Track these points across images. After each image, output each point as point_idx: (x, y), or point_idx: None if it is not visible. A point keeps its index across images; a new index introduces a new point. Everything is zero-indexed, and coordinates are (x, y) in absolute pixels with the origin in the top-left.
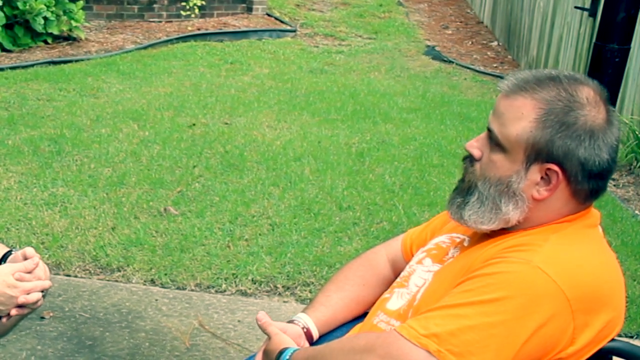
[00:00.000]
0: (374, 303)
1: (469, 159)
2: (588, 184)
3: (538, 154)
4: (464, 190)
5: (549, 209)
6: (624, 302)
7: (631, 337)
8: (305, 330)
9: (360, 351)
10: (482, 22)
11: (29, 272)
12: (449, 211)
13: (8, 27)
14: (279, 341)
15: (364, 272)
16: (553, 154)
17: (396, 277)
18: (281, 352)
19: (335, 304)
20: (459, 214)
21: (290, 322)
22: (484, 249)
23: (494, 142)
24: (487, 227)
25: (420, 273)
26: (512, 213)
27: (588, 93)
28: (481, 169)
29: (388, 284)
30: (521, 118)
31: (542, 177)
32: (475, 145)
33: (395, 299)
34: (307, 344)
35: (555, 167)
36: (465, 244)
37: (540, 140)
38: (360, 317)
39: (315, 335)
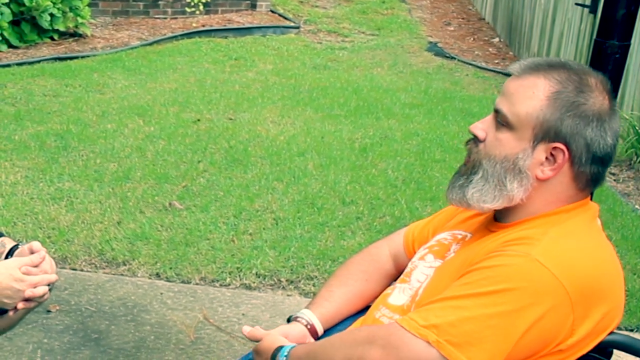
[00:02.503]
0: (376, 297)
1: (474, 140)
2: (590, 167)
3: (546, 132)
4: (468, 170)
5: (550, 191)
6: (622, 294)
7: (631, 330)
8: (309, 327)
9: (362, 342)
10: (484, 19)
11: (36, 266)
12: (449, 195)
13: (15, 23)
14: (272, 340)
15: (366, 266)
16: (561, 133)
17: (398, 272)
18: (277, 350)
19: (338, 298)
20: (462, 193)
21: (295, 318)
22: (484, 243)
23: (502, 122)
24: (489, 205)
25: (422, 269)
26: (516, 191)
27: (596, 80)
28: (486, 148)
29: (390, 278)
30: (532, 97)
31: (547, 158)
32: (480, 127)
33: (397, 294)
34: (312, 341)
35: (561, 146)
36: (467, 240)
37: (550, 118)
38: (362, 311)
39: (320, 330)
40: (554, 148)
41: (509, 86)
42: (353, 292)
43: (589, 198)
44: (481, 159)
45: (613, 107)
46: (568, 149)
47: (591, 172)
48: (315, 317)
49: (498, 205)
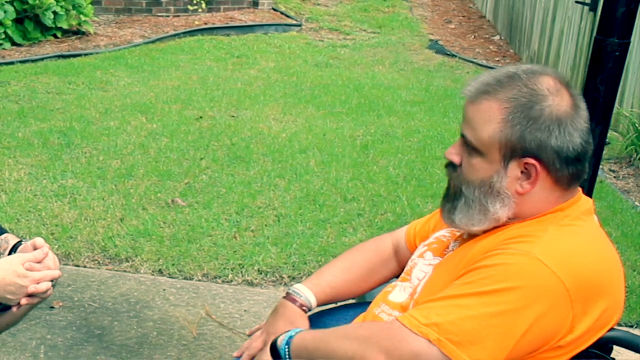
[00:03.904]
0: (374, 288)
1: (451, 165)
2: (568, 169)
3: (513, 151)
4: (452, 196)
5: (536, 199)
6: (622, 291)
7: (631, 326)
8: (306, 309)
9: (364, 340)
10: (485, 17)
11: (39, 262)
12: (443, 217)
13: (18, 21)
14: (278, 326)
15: (371, 256)
16: (527, 149)
17: (400, 266)
18: (277, 340)
19: (340, 286)
20: (451, 219)
21: (301, 306)
22: (483, 240)
23: (470, 147)
24: (478, 228)
25: (422, 267)
26: (500, 212)
27: (548, 83)
28: (463, 174)
29: (392, 271)
30: (489, 121)
31: (522, 172)
32: (454, 152)
33: (398, 292)
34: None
35: (532, 161)
36: (465, 237)
37: (512, 138)
38: (364, 306)
39: (314, 309)
40: (526, 163)
41: (467, 112)
42: (354, 282)
43: (580, 192)
44: (460, 185)
45: (575, 102)
46: (539, 161)
47: (570, 172)
48: (315, 300)
49: (486, 227)
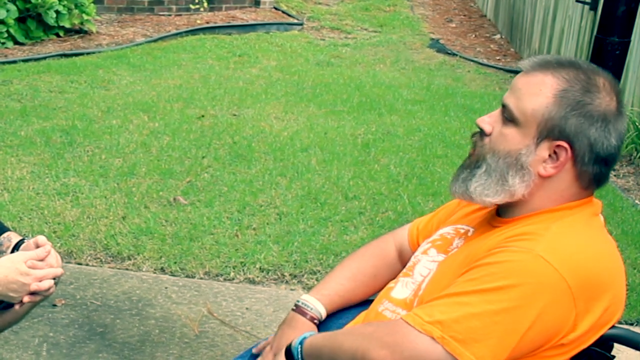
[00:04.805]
0: (378, 291)
1: (480, 133)
2: (593, 167)
3: (550, 130)
4: (472, 164)
5: (552, 189)
6: (624, 289)
7: (631, 324)
8: (316, 322)
9: (367, 335)
10: (485, 16)
11: (41, 260)
12: (453, 187)
13: (21, 20)
14: (289, 338)
15: (375, 261)
16: (565, 131)
17: (403, 267)
18: (291, 343)
19: (347, 294)
20: (465, 186)
21: (311, 318)
22: (487, 238)
23: (508, 117)
24: (491, 199)
25: (425, 263)
26: (518, 186)
27: (604, 81)
28: (491, 143)
29: (396, 273)
30: (539, 94)
31: (550, 155)
32: (487, 121)
33: (400, 288)
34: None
35: (564, 144)
36: (470, 234)
37: (554, 116)
38: (365, 304)
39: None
40: (558, 146)
41: (517, 82)
42: (361, 288)
43: (592, 197)
44: (485, 153)
45: (620, 108)
46: (571, 148)
47: (594, 171)
48: (325, 311)
49: (500, 199)
